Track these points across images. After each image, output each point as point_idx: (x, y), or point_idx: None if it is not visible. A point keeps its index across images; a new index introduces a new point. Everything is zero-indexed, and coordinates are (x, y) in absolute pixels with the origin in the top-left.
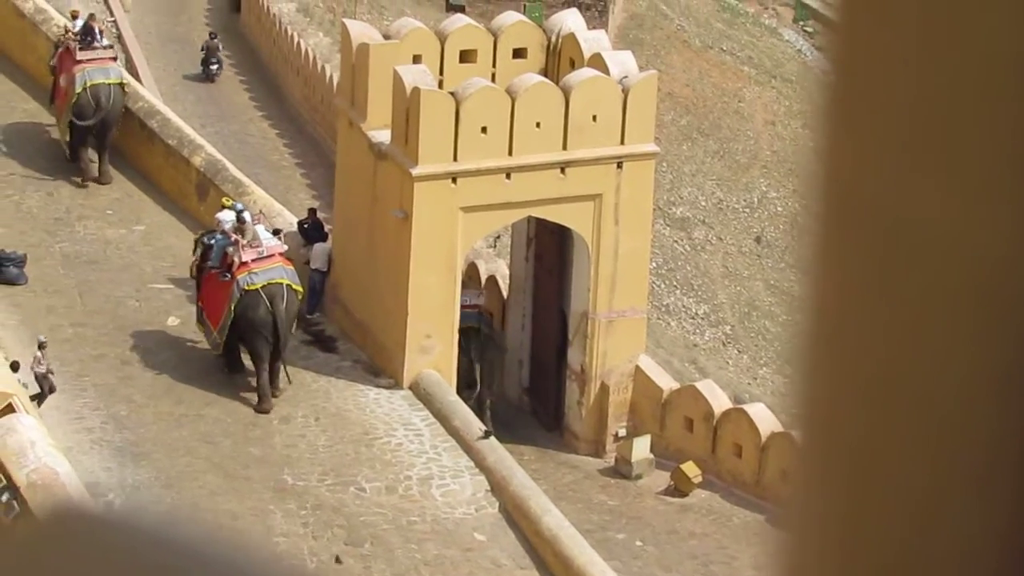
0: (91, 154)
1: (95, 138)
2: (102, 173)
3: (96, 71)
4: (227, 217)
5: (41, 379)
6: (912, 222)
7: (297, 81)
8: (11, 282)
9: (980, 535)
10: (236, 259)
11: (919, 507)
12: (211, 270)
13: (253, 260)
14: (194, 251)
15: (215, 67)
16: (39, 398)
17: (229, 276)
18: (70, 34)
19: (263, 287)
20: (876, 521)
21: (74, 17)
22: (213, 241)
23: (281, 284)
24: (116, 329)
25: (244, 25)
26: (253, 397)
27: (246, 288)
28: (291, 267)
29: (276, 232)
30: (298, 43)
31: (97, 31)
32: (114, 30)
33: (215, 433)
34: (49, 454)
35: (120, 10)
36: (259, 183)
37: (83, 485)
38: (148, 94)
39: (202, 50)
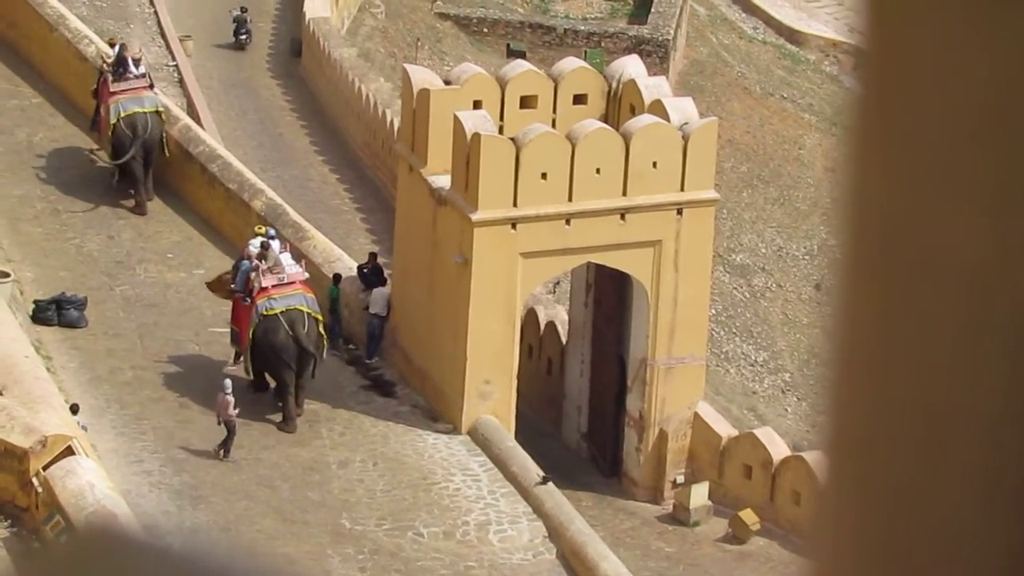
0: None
1: (137, 166)
2: (147, 191)
3: (130, 101)
4: (255, 243)
5: (229, 424)
6: (947, 250)
7: (358, 126)
8: (72, 325)
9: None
10: (256, 284)
11: (955, 532)
12: (236, 294)
13: (273, 286)
14: (232, 275)
15: (244, 37)
16: (226, 442)
17: (250, 301)
18: (106, 64)
19: (282, 312)
20: (913, 548)
21: (111, 45)
22: (241, 264)
23: (301, 311)
24: (175, 372)
25: (305, 70)
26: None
27: (264, 313)
28: (311, 295)
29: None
30: (359, 88)
31: (131, 61)
32: (175, 75)
33: (273, 477)
34: (108, 497)
35: (182, 55)
36: (319, 228)
37: (141, 528)
38: (209, 138)
39: (233, 22)
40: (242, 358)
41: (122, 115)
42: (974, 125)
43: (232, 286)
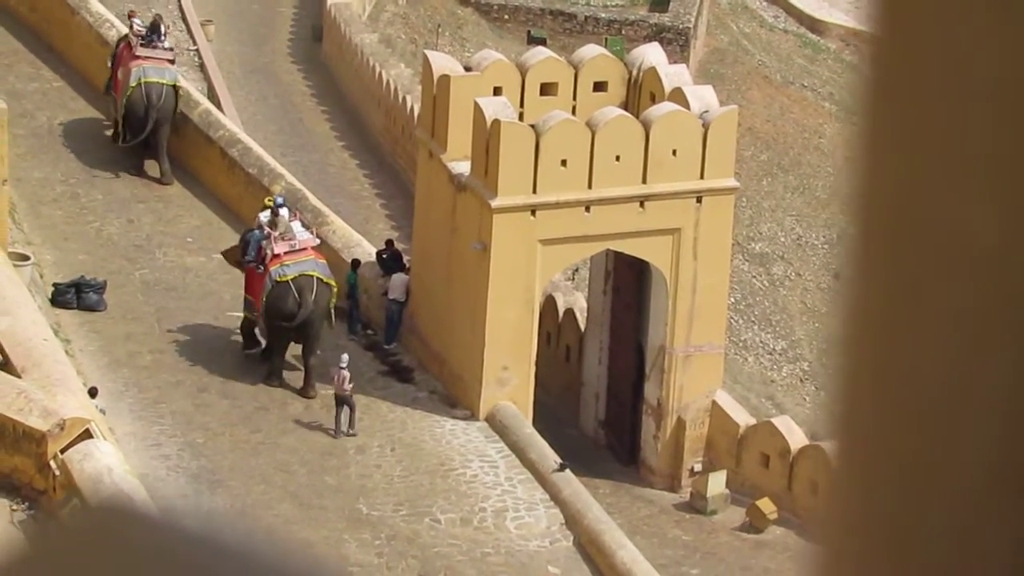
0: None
1: (151, 137)
2: (163, 173)
3: (152, 69)
4: (265, 214)
5: (345, 399)
6: (954, 235)
7: (378, 112)
8: (91, 308)
9: None
10: (269, 252)
11: (963, 515)
12: (249, 263)
13: (285, 253)
14: (241, 249)
15: None
16: (350, 412)
17: (263, 268)
18: (134, 28)
19: (293, 279)
20: (922, 534)
21: (130, 16)
22: (251, 236)
23: (311, 277)
24: (194, 356)
25: (326, 55)
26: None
27: (277, 279)
28: (323, 261)
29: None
30: (379, 74)
31: (163, 32)
32: (196, 59)
33: (291, 462)
34: (125, 480)
35: (203, 39)
36: (339, 213)
37: (159, 512)
38: (230, 123)
39: None
40: (261, 325)
41: (143, 80)
42: (984, 110)
43: (245, 257)
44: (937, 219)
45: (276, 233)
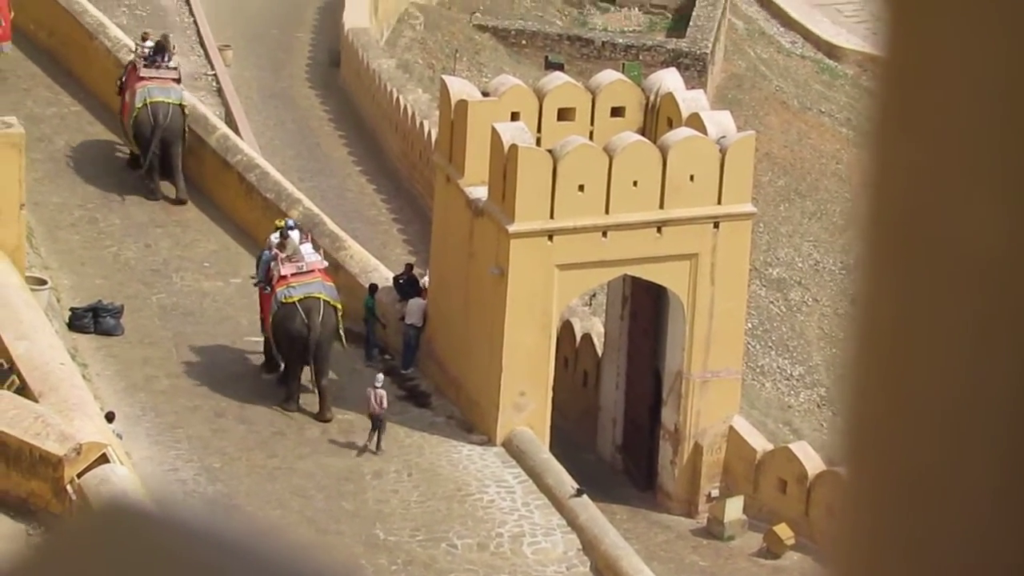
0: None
1: (161, 158)
2: (178, 190)
3: (157, 89)
4: (276, 235)
5: (376, 417)
6: (963, 240)
7: (395, 137)
8: (108, 333)
9: None
10: (276, 273)
11: (972, 521)
12: (257, 284)
13: (292, 274)
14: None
15: None
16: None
17: (270, 289)
18: (140, 49)
19: (300, 300)
20: (930, 538)
21: (144, 39)
22: (262, 257)
23: (318, 299)
24: (211, 381)
25: (344, 81)
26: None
27: (283, 300)
28: (331, 283)
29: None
30: (397, 99)
31: (168, 53)
32: (214, 84)
33: (308, 487)
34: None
35: (221, 64)
36: (356, 238)
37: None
38: (247, 148)
39: None
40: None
41: (148, 101)
42: (993, 115)
43: (253, 276)
44: (945, 229)
45: (284, 255)
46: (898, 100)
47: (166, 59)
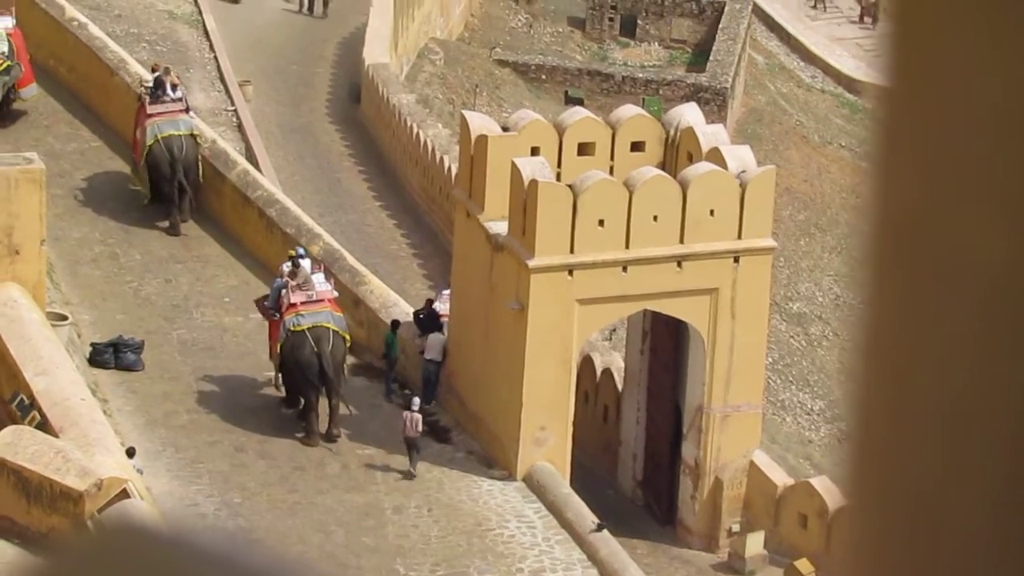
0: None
1: (175, 187)
2: (182, 211)
3: (166, 123)
4: (288, 264)
5: (412, 442)
6: (964, 251)
7: (415, 172)
8: (129, 368)
9: None
10: (286, 301)
11: (976, 532)
12: (267, 310)
13: (302, 303)
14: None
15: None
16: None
17: (279, 317)
18: (143, 88)
19: (309, 329)
20: (934, 549)
21: (153, 71)
22: (274, 284)
23: (327, 329)
24: (231, 416)
25: (364, 116)
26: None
27: (292, 329)
28: (340, 313)
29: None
30: (417, 134)
31: (168, 85)
32: (234, 119)
33: (328, 522)
34: None
35: (241, 99)
36: (376, 273)
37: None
38: (267, 183)
39: None
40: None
41: (160, 136)
42: (992, 129)
43: (265, 303)
44: (946, 242)
45: (294, 283)
46: (901, 118)
47: (170, 92)
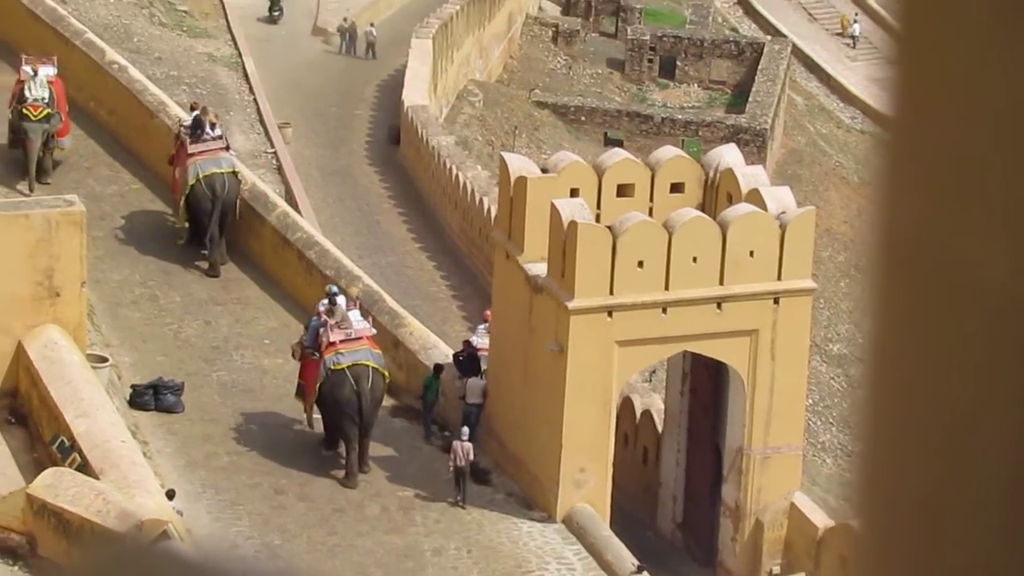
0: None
1: (216, 225)
2: (221, 253)
3: (208, 162)
4: (324, 302)
5: (461, 472)
6: (966, 264)
7: (455, 213)
8: (169, 410)
9: None
10: (325, 339)
11: (979, 537)
12: (304, 349)
13: (341, 341)
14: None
15: (277, 13)
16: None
17: (318, 355)
18: (182, 127)
19: (349, 367)
20: (939, 554)
21: (192, 109)
22: (311, 323)
23: (367, 367)
24: (271, 458)
25: (403, 157)
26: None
27: (332, 367)
28: (378, 351)
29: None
30: (456, 175)
31: (207, 124)
32: (274, 161)
33: (367, 564)
34: None
35: (280, 141)
36: (416, 315)
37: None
38: (307, 225)
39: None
40: (308, 412)
41: (201, 175)
42: (992, 143)
43: (302, 341)
44: (948, 254)
45: (332, 321)
46: (904, 134)
47: (209, 131)
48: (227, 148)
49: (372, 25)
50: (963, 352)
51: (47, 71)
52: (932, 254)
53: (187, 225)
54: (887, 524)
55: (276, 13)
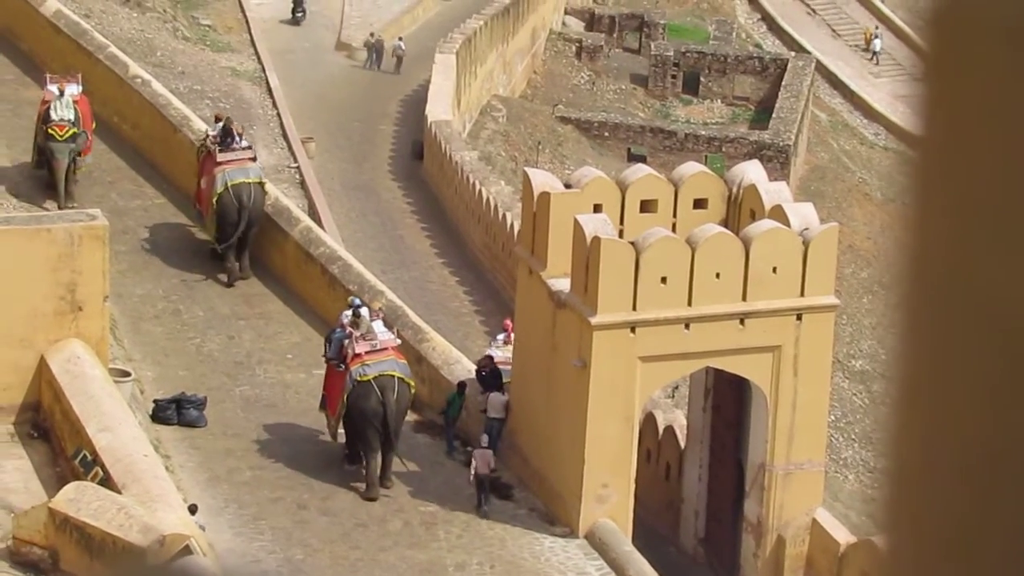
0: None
1: (239, 235)
2: (242, 268)
3: (236, 171)
4: (347, 313)
5: (482, 480)
6: (994, 299)
7: (478, 228)
8: (191, 424)
9: None
10: (350, 351)
11: (1006, 563)
12: (329, 361)
13: (367, 352)
14: (324, 348)
15: (300, 14)
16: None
17: (344, 367)
18: (210, 137)
19: (375, 378)
20: None
21: (217, 120)
22: (333, 335)
23: (392, 377)
24: (294, 473)
25: (427, 173)
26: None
27: (358, 379)
28: (403, 361)
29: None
30: (479, 191)
31: (236, 133)
32: (297, 176)
33: None
34: None
35: (304, 156)
36: (438, 330)
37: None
38: (330, 239)
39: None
40: (332, 423)
41: (229, 184)
42: (1020, 186)
43: (326, 355)
44: (977, 287)
45: (358, 333)
46: (936, 173)
47: (237, 140)
48: (254, 159)
49: (400, 39)
50: (995, 381)
51: (72, 90)
52: (963, 281)
53: (216, 235)
54: (914, 544)
55: (299, 14)
